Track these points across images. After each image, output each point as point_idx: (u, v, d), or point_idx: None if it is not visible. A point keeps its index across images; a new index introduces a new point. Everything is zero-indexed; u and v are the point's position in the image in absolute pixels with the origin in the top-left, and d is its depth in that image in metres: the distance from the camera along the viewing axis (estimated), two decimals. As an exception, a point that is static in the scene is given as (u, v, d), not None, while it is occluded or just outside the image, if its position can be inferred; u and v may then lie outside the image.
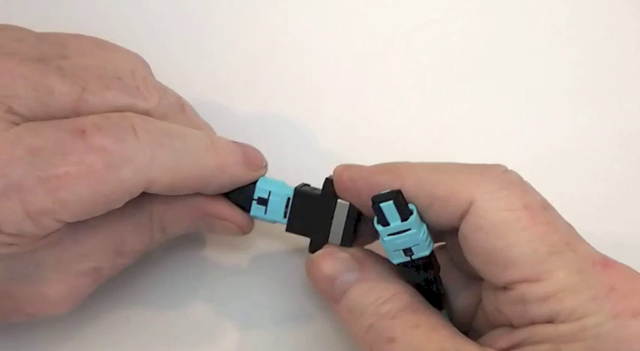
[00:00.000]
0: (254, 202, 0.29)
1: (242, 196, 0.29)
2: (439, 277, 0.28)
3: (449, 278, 0.29)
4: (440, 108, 0.33)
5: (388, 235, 0.26)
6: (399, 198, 0.25)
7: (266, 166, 0.29)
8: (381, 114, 0.34)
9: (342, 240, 0.29)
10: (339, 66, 0.34)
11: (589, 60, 0.34)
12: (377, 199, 0.25)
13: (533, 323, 0.24)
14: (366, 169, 0.27)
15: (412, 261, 0.26)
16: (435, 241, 0.27)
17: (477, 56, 0.34)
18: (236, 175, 0.28)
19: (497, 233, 0.24)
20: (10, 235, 0.23)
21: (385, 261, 0.27)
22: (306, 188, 0.29)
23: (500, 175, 0.25)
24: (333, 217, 0.29)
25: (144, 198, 0.27)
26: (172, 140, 0.25)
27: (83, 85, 0.25)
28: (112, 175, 0.23)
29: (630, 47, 0.34)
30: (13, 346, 0.31)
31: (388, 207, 0.25)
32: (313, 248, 0.29)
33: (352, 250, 0.28)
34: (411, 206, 0.26)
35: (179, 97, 0.29)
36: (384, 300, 0.26)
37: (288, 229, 0.29)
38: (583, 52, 0.34)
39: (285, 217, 0.29)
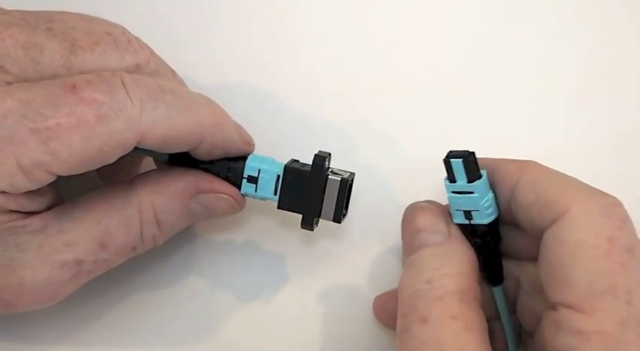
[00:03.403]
0: (244, 181, 0.29)
1: (231, 174, 0.29)
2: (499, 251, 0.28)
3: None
4: (439, 108, 0.34)
5: (452, 192, 0.27)
6: (469, 159, 0.26)
7: (254, 146, 0.29)
8: (382, 114, 0.34)
9: (334, 216, 0.28)
10: (339, 65, 0.34)
11: (587, 59, 0.34)
12: (450, 154, 0.26)
13: None
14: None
15: (471, 226, 0.27)
16: (529, 249, 0.27)
17: (476, 56, 0.34)
18: (230, 136, 0.28)
19: (570, 251, 0.24)
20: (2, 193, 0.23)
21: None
22: (296, 165, 0.29)
23: (607, 203, 0.24)
24: (324, 192, 0.28)
25: (131, 189, 0.27)
26: (163, 94, 0.25)
27: (72, 41, 0.25)
28: (103, 126, 0.24)
29: (628, 47, 0.34)
30: (12, 345, 0.32)
31: (457, 164, 0.26)
32: (305, 225, 0.29)
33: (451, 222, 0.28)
34: (482, 172, 0.26)
35: (169, 66, 0.29)
36: (444, 274, 0.25)
37: (279, 207, 0.29)
38: (581, 52, 0.34)
39: (275, 194, 0.29)
